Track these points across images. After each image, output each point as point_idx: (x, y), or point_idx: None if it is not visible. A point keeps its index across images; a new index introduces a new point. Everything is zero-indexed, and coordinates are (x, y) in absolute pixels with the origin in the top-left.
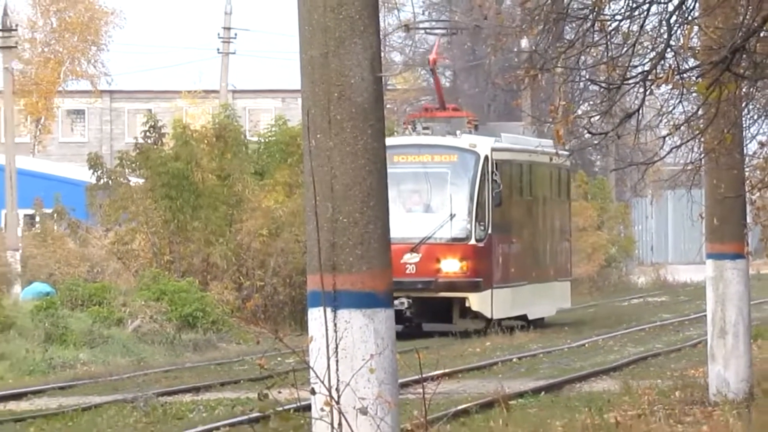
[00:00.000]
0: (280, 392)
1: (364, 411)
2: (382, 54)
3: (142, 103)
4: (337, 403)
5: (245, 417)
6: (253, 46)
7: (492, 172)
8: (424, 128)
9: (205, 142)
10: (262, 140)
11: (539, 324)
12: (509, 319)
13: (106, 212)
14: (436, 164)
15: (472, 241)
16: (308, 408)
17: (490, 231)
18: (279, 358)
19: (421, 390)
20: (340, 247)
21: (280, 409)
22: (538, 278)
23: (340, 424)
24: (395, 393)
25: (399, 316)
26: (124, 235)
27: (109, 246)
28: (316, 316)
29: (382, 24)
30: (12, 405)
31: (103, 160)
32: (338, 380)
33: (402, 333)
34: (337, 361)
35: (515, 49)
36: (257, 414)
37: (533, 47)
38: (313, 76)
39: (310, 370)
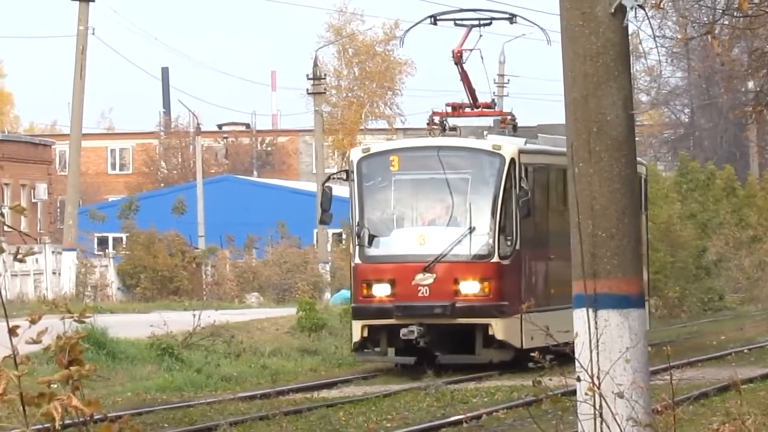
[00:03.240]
0: (550, 380)
1: (621, 395)
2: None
3: None
4: (599, 388)
5: (521, 401)
6: (523, 89)
7: (519, 178)
8: (452, 128)
9: None
10: None
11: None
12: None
13: None
14: (454, 170)
15: (495, 259)
16: (574, 393)
17: (518, 246)
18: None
19: (667, 376)
20: (599, 257)
21: (551, 393)
22: None
23: (601, 406)
24: (647, 379)
25: (411, 347)
26: None
27: None
28: (580, 315)
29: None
30: (324, 393)
31: None
32: (599, 369)
33: (415, 367)
34: (598, 353)
35: (743, 89)
36: (531, 398)
37: (759, 87)
38: (576, 114)
39: (576, 361)
